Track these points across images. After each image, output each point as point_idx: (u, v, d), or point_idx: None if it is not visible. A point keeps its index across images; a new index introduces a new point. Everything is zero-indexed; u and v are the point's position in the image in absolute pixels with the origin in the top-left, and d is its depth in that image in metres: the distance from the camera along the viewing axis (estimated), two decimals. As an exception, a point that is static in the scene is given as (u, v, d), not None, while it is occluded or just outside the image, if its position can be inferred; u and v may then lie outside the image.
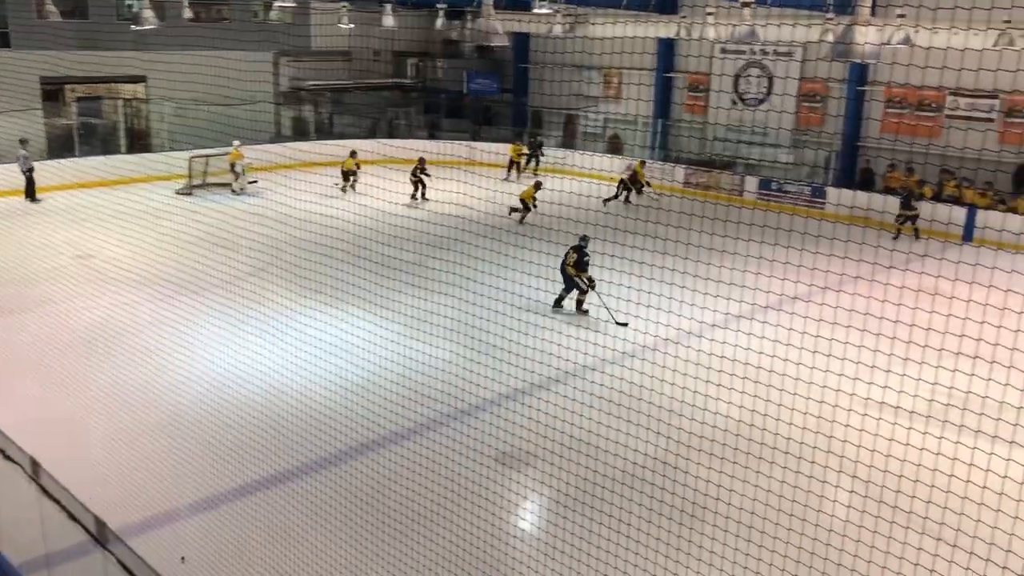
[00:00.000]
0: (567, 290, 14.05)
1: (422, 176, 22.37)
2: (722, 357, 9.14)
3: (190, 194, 22.76)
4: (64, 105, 26.10)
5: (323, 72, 29.37)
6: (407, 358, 10.90)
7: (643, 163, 24.35)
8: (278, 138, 28.55)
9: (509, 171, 26.12)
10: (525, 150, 27.17)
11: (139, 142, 26.80)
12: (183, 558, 7.18)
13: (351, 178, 22.64)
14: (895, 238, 20.22)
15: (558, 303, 14.05)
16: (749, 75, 26.20)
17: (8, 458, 5.28)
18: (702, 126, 27.34)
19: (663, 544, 7.20)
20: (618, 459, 8.51)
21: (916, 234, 20.36)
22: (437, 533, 7.61)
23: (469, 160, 24.46)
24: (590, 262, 13.62)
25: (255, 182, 23.37)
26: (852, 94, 23.86)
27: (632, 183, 23.51)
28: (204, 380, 10.87)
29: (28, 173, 21.15)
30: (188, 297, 13.91)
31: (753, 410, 8.27)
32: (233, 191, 23.16)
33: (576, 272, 13.67)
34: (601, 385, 9.46)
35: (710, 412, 8.57)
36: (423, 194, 22.46)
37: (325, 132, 30.40)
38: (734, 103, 26.45)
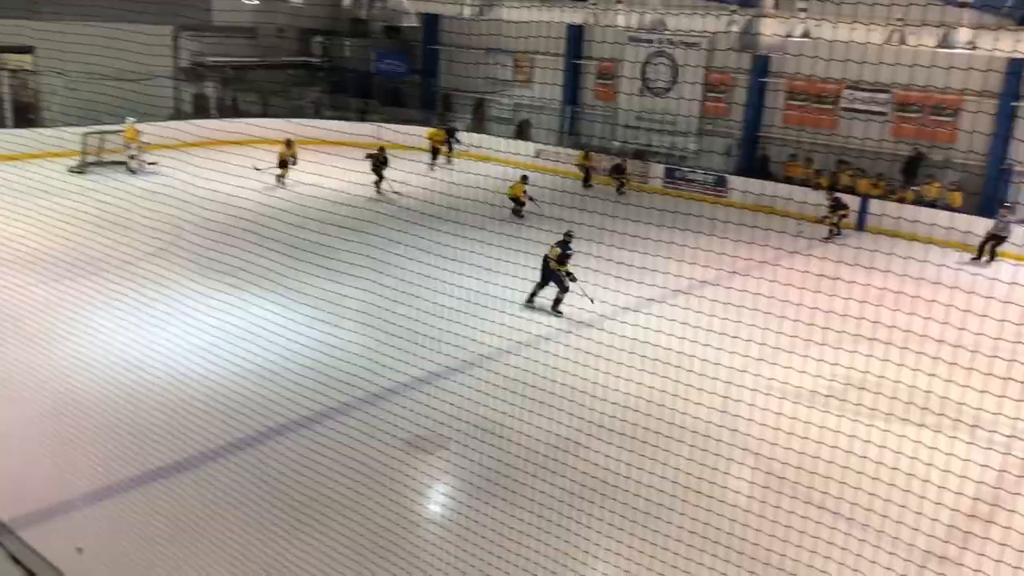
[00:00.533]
0: (541, 286, 13.81)
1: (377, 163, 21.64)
2: (633, 340, 9.28)
3: (84, 172, 21.79)
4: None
5: (226, 48, 28.45)
6: (318, 342, 10.71)
7: (525, 179, 20.30)
8: (178, 116, 27.58)
9: (434, 158, 25.41)
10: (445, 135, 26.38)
11: (27, 116, 25.47)
12: (80, 549, 6.88)
13: (286, 168, 21.52)
14: (828, 239, 19.92)
15: (531, 299, 13.82)
16: (657, 64, 26.59)
17: None
18: (611, 114, 27.64)
19: (574, 523, 7.29)
20: (531, 441, 8.55)
21: (838, 230, 20.28)
22: (348, 518, 7.50)
23: (378, 142, 24.08)
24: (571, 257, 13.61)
25: (155, 163, 22.53)
26: (755, 85, 24.50)
27: (514, 200, 20.40)
28: (102, 365, 10.44)
29: None
30: (83, 279, 13.30)
31: (663, 391, 8.43)
32: (130, 169, 22.30)
33: (558, 266, 13.63)
34: (515, 368, 9.50)
35: (621, 395, 8.70)
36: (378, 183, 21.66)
37: (228, 111, 29.50)
38: (642, 91, 26.82)
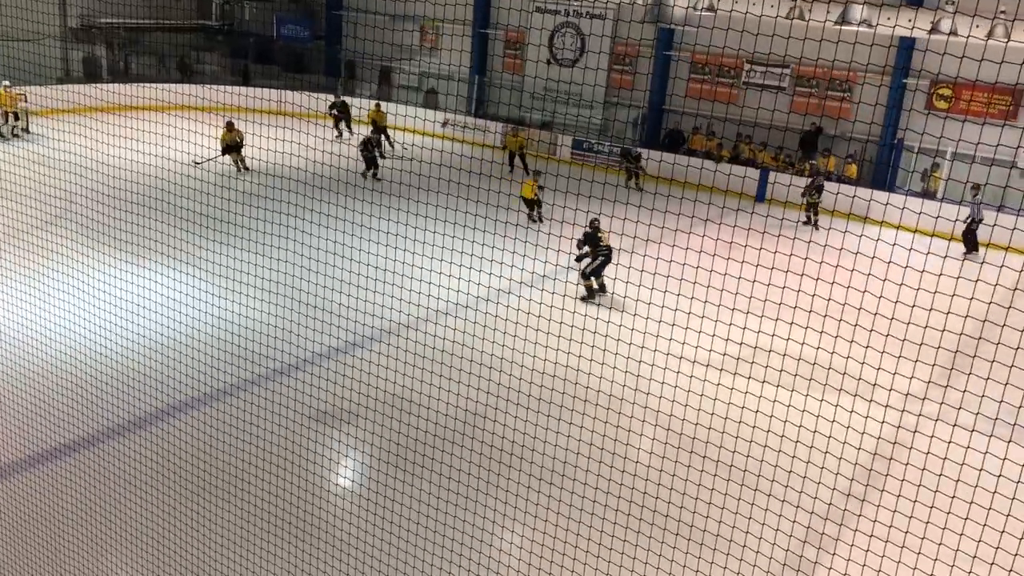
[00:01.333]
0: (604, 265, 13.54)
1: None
2: (542, 308, 9.36)
3: (-37, 137, 20.66)
4: None
5: (118, 9, 27.18)
6: (218, 317, 10.44)
7: (537, 175, 19.09)
8: (67, 79, 26.28)
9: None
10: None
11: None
12: None
13: (237, 152, 19.88)
14: (807, 222, 19.54)
15: (602, 288, 13.38)
16: (563, 35, 26.65)
17: None
18: (519, 83, 27.61)
19: (480, 494, 7.36)
20: (437, 414, 8.57)
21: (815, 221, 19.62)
22: (253, 494, 7.40)
23: (279, 110, 23.47)
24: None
25: (25, 129, 21.55)
26: (660, 58, 24.82)
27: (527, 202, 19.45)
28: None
29: None
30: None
31: (571, 364, 8.55)
32: (1, 135, 21.28)
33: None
34: (417, 343, 9.47)
35: (525, 368, 8.78)
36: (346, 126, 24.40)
37: (119, 75, 28.27)
38: (548, 62, 26.86)
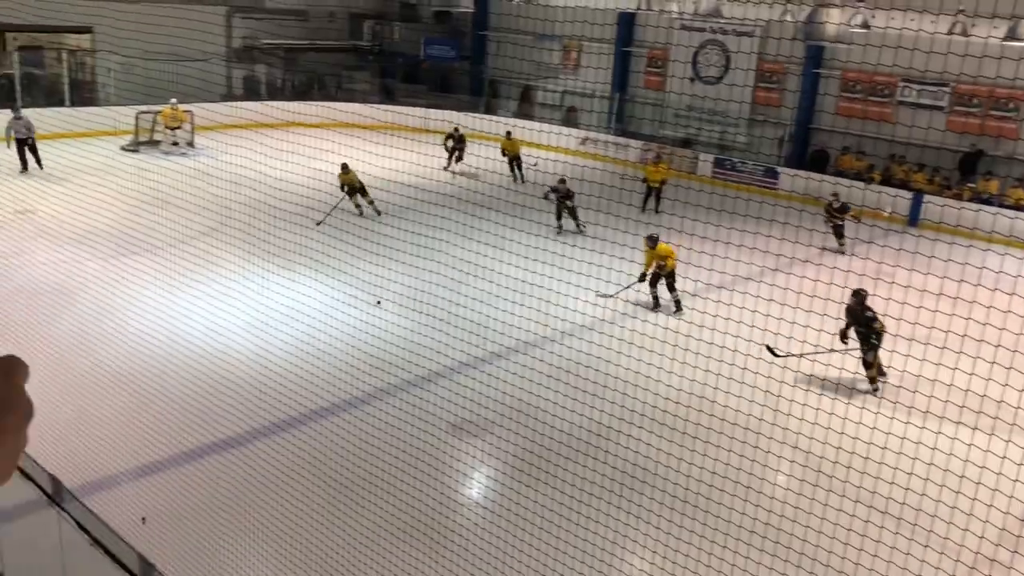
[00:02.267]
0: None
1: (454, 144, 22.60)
2: (675, 332, 9.24)
3: (136, 151, 22.18)
4: (4, 54, 25.16)
5: (277, 31, 28.70)
6: (364, 324, 10.82)
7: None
8: (229, 96, 27.91)
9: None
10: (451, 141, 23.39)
11: (84, 95, 25.97)
12: (144, 519, 7.06)
13: (360, 196, 17.98)
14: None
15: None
16: (708, 52, 26.30)
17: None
18: (661, 102, 27.40)
19: (615, 509, 7.30)
20: (572, 428, 8.57)
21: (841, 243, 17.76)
22: (388, 500, 7.60)
23: (424, 128, 24.16)
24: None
25: (190, 144, 22.93)
26: (809, 76, 24.12)
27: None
28: (154, 341, 10.66)
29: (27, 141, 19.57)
30: (136, 256, 13.59)
31: (705, 384, 8.38)
32: (165, 150, 22.70)
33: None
34: (557, 356, 9.51)
35: (663, 386, 8.67)
36: (457, 159, 22.80)
37: (277, 93, 29.80)
38: (692, 80, 26.54)
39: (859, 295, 10.68)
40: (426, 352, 9.55)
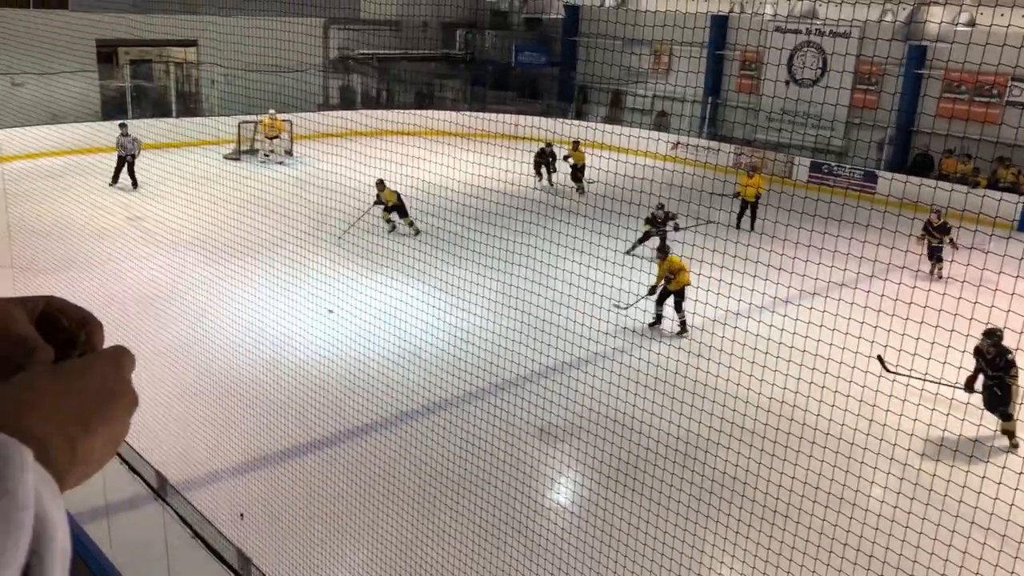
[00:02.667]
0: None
1: (547, 160, 21.85)
2: (767, 339, 9.08)
3: (238, 159, 23.00)
4: (117, 67, 26.44)
5: (371, 41, 29.34)
6: (454, 326, 10.99)
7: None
8: (326, 105, 28.66)
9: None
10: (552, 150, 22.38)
11: (189, 106, 27.09)
12: (242, 515, 7.35)
13: (395, 213, 17.29)
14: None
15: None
16: (804, 54, 25.73)
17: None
18: (754, 105, 26.94)
19: (704, 517, 7.23)
20: (661, 436, 8.50)
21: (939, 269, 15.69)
22: (474, 503, 7.69)
23: (512, 135, 24.34)
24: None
25: (288, 153, 23.57)
26: (910, 77, 23.34)
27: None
28: (253, 343, 11.05)
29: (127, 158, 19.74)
30: (237, 260, 14.10)
31: (797, 392, 8.22)
32: (265, 158, 23.31)
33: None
34: (646, 363, 9.45)
35: (753, 393, 8.54)
36: (549, 178, 22.15)
37: (371, 102, 30.47)
38: (787, 83, 26.01)
39: (993, 336, 9.02)
40: (514, 356, 9.62)
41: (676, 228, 15.00)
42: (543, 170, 22.29)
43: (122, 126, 19.85)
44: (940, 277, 15.20)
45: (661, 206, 15.36)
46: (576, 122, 25.98)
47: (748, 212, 18.39)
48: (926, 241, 15.72)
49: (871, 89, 24.49)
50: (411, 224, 17.00)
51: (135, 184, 19.66)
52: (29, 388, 0.63)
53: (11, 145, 18.83)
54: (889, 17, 19.37)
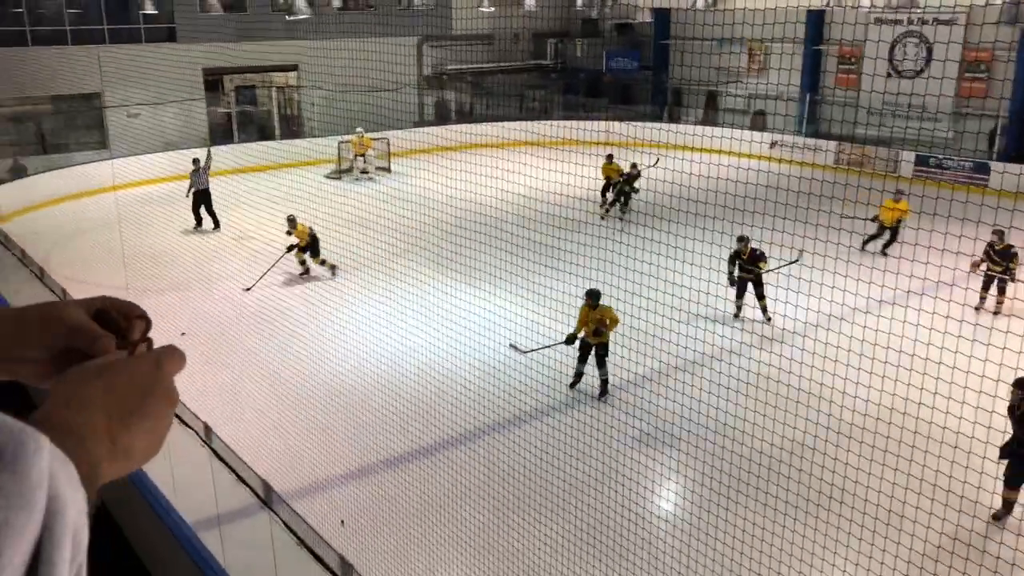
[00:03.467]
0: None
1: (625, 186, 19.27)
2: (871, 343, 8.80)
3: (339, 178, 23.66)
4: (223, 94, 27.62)
5: (464, 56, 29.78)
6: (547, 337, 11.04)
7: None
8: (421, 122, 29.22)
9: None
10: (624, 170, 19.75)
11: (291, 128, 28.05)
12: (343, 521, 7.57)
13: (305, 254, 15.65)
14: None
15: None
16: (906, 44, 24.85)
17: (183, 423, 5.73)
18: (854, 100, 26.14)
19: (810, 525, 7.06)
20: (762, 444, 8.34)
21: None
22: (575, 509, 7.71)
23: (607, 141, 24.24)
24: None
25: (384, 169, 24.05)
26: (1022, 62, 22.25)
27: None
28: (356, 356, 11.36)
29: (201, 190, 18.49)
30: (341, 277, 14.52)
31: (904, 397, 7.93)
32: (362, 176, 23.79)
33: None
34: (742, 369, 9.31)
35: (857, 398, 8.29)
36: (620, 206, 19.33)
37: (466, 116, 30.89)
38: (888, 75, 25.15)
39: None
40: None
41: (747, 272, 12.57)
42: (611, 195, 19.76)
43: (195, 162, 18.61)
44: (997, 312, 12.56)
45: (744, 238, 12.57)
46: (670, 126, 25.74)
47: (884, 237, 15.87)
48: (985, 266, 12.75)
49: (979, 76, 23.44)
50: (323, 263, 15.53)
51: (216, 224, 18.61)
52: (74, 385, 0.72)
53: (126, 173, 19.86)
54: (996, 0, 18.51)
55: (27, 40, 23.81)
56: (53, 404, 0.69)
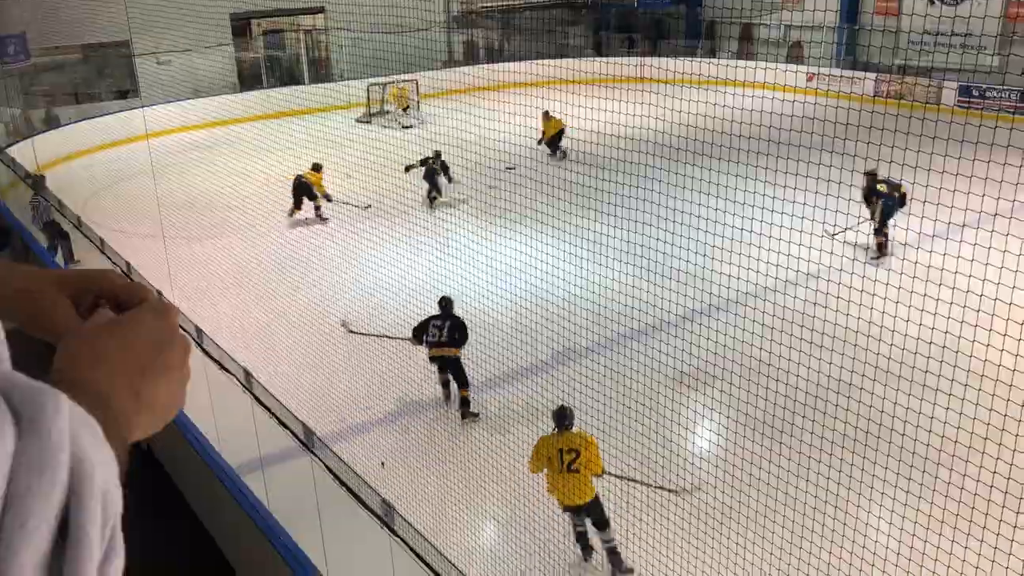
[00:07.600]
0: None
1: None
2: (914, 277, 8.63)
3: (369, 122, 23.51)
4: (251, 39, 27.44)
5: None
6: (584, 278, 10.99)
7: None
8: (450, 63, 28.86)
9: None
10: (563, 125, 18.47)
11: (320, 72, 27.86)
12: (383, 463, 7.67)
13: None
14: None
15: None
16: (949, -31, 23.94)
17: (224, 369, 5.78)
18: (894, 30, 25.33)
19: (857, 465, 7.02)
20: (801, 382, 8.25)
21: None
22: (615, 447, 7.72)
23: (639, 78, 23.76)
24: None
25: (416, 121, 23.78)
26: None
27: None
28: (391, 298, 11.38)
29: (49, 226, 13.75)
30: (372, 220, 14.52)
31: (957, 335, 7.78)
32: (403, 125, 23.49)
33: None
34: (782, 307, 9.17)
35: (899, 334, 8.14)
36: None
37: (495, 55, 30.44)
38: (931, 2, 24.29)
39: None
40: (644, 306, 9.52)
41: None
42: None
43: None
44: None
45: (872, 172, 12.09)
46: (706, 60, 25.13)
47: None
48: None
49: (1028, 1, 22.56)
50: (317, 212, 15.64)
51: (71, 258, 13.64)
52: (87, 342, 0.69)
53: (158, 121, 19.88)
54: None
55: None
56: (67, 362, 0.66)
